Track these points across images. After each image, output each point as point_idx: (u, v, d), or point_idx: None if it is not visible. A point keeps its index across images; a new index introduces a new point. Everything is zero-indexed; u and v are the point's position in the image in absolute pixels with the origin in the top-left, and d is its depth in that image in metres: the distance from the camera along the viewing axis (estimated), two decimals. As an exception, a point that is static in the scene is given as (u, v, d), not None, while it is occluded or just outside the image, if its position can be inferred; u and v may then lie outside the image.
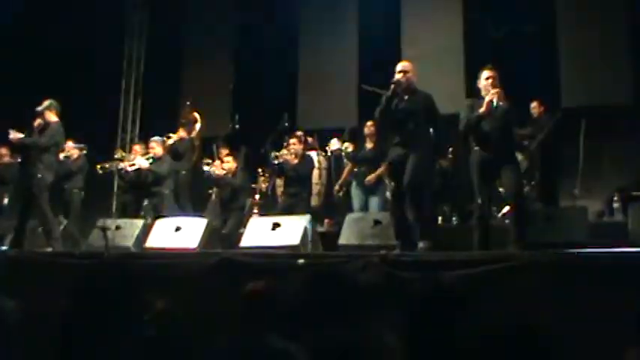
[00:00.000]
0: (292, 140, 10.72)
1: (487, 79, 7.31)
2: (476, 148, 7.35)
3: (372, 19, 13.72)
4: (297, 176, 10.57)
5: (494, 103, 7.07)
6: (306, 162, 10.74)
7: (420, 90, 7.75)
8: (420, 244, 7.27)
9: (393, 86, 7.52)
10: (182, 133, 12.27)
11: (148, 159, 11.26)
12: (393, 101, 7.56)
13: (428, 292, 2.86)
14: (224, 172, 11.19)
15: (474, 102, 7.42)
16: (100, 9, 14.17)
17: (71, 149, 11.62)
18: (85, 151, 11.80)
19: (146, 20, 15.59)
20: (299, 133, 11.42)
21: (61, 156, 11.18)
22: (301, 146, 10.81)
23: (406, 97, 7.63)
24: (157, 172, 11.13)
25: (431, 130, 7.75)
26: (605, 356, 2.59)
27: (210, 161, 11.49)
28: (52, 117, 9.86)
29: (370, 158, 10.05)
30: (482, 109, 7.11)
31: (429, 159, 7.76)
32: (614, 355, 2.82)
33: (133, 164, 11.39)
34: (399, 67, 7.66)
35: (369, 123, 10.16)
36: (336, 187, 11.04)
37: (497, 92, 7.10)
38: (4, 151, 11.74)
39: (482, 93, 7.30)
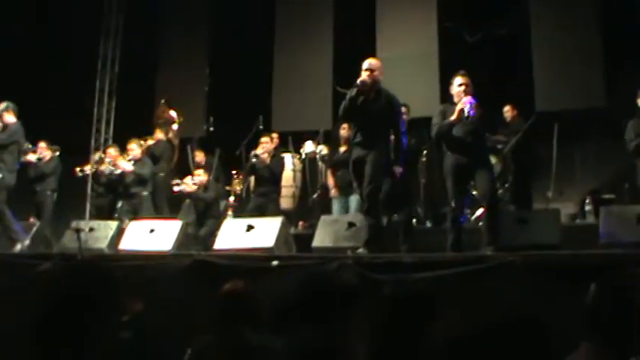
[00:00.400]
0: (264, 139, 10.75)
1: (460, 85, 7.38)
2: (449, 152, 7.40)
3: (348, 20, 13.75)
4: (270, 175, 10.64)
5: (466, 112, 7.08)
6: (277, 161, 10.80)
7: (385, 90, 7.75)
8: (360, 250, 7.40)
9: (358, 85, 7.50)
10: (159, 134, 12.24)
11: (129, 161, 11.22)
12: (358, 100, 7.56)
13: (399, 294, 2.88)
14: (195, 187, 11.12)
15: (446, 107, 7.50)
16: (75, 10, 14.06)
17: (44, 150, 11.53)
18: (57, 153, 11.71)
19: (121, 21, 15.49)
20: (273, 134, 11.47)
21: (34, 157, 11.18)
22: (273, 145, 10.88)
23: (371, 97, 7.62)
24: (140, 174, 11.10)
25: (391, 132, 7.77)
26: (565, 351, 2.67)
27: (179, 181, 11.37)
28: (11, 118, 9.84)
29: (346, 160, 10.05)
30: (453, 117, 7.18)
31: (386, 160, 7.67)
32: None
33: (117, 168, 11.34)
34: (366, 64, 7.64)
35: (344, 125, 10.16)
36: (318, 191, 11.07)
37: (469, 100, 7.15)
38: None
39: (455, 99, 7.36)
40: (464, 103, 7.12)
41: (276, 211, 10.31)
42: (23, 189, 10.56)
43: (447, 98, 7.93)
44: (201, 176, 11.21)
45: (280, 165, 10.92)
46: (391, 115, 7.70)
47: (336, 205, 10.22)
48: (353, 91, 7.53)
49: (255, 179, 10.96)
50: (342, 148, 10.18)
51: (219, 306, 4.21)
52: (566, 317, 5.08)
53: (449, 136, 7.33)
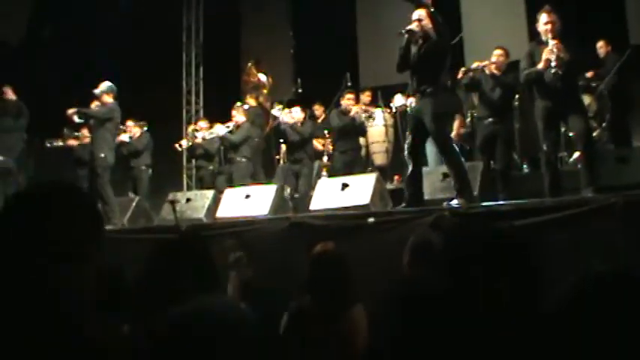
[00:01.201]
0: (348, 96, 11.05)
1: (546, 23, 7.14)
2: (539, 97, 7.25)
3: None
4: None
5: (552, 61, 6.91)
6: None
7: (434, 36, 7.57)
8: (455, 201, 7.22)
9: (407, 35, 7.52)
10: (250, 100, 12.32)
11: (227, 127, 11.38)
12: (410, 48, 7.59)
13: (500, 241, 2.76)
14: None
15: (534, 48, 7.30)
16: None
17: (132, 127, 11.83)
18: (145, 128, 11.95)
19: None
20: (366, 92, 11.50)
21: (126, 137, 11.44)
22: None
23: (420, 44, 7.56)
24: (230, 140, 11.25)
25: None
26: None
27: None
28: (109, 99, 10.07)
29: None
30: (541, 66, 7.00)
31: (443, 107, 7.61)
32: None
33: (212, 133, 11.51)
34: (415, 15, 7.61)
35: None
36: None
37: (556, 45, 6.93)
38: (85, 132, 11.87)
39: (543, 37, 7.15)
40: (550, 51, 6.91)
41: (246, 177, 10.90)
42: (119, 166, 10.78)
43: (533, 39, 7.74)
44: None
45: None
46: (441, 60, 7.59)
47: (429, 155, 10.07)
48: (403, 41, 7.56)
49: (336, 137, 11.11)
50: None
51: (309, 270, 4.19)
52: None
53: (539, 82, 7.17)
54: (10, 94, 11.09)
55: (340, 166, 10.61)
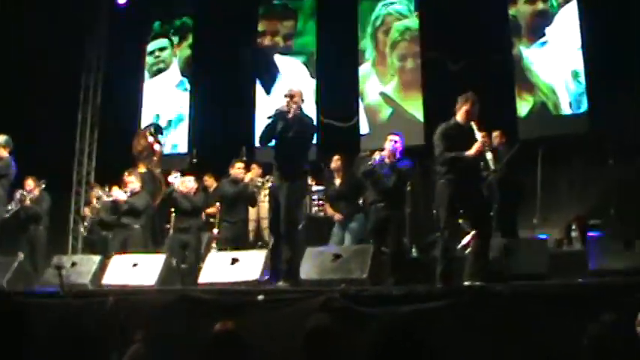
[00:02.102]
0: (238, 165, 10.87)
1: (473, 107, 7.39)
2: (444, 181, 7.27)
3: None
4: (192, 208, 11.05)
5: (488, 156, 7.29)
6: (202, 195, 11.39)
7: (305, 116, 8.01)
8: (280, 283, 7.60)
9: (276, 112, 7.84)
10: (141, 168, 12.13)
11: (125, 192, 11.14)
12: (277, 126, 7.85)
13: (387, 329, 2.80)
14: (185, 190, 11.06)
15: (450, 129, 7.36)
16: (57, 41, 13.95)
17: (33, 187, 11.48)
18: (44, 185, 11.61)
19: (103, 54, 15.48)
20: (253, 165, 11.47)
21: (26, 196, 11.24)
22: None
23: (290, 122, 7.80)
24: (134, 206, 10.96)
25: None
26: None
27: (178, 174, 11.36)
28: (4, 153, 9.85)
29: (344, 193, 10.01)
30: (472, 152, 7.10)
31: (302, 189, 8.07)
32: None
33: (111, 197, 11.27)
34: (287, 91, 7.95)
35: (335, 157, 10.31)
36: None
37: (481, 141, 7.15)
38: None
39: (465, 121, 7.34)
40: (480, 144, 7.14)
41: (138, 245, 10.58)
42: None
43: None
44: (192, 182, 11.24)
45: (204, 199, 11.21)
46: (307, 140, 8.06)
47: (333, 237, 10.12)
48: (270, 117, 7.87)
49: (176, 214, 11.16)
50: (337, 181, 10.25)
51: (210, 348, 4.10)
52: (560, 345, 5.08)
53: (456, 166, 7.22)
54: None
55: (230, 236, 10.50)
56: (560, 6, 12.36)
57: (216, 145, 13.36)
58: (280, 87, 14.39)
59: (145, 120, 15.23)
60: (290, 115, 7.77)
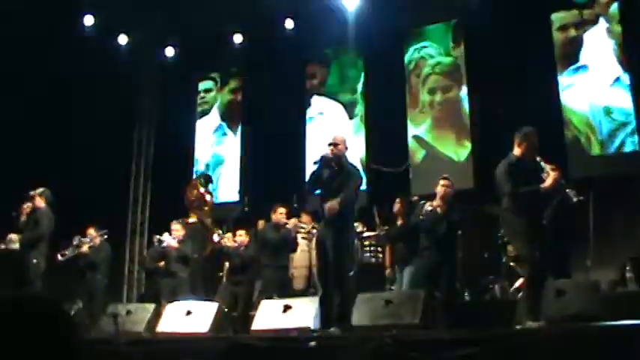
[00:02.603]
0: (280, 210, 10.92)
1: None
2: (513, 214, 7.29)
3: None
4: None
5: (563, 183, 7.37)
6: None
7: (350, 164, 8.15)
8: (332, 329, 7.58)
9: (321, 158, 7.95)
10: (193, 217, 12.29)
11: (174, 238, 11.37)
12: (323, 172, 8.01)
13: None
14: (236, 244, 11.19)
15: (513, 163, 7.35)
16: (110, 96, 14.26)
17: (94, 238, 11.77)
18: (105, 236, 11.91)
19: (156, 104, 15.79)
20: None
21: (83, 242, 11.52)
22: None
23: (335, 170, 7.96)
24: (184, 252, 11.22)
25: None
26: None
27: (221, 232, 11.51)
28: (41, 203, 10.04)
29: (404, 234, 10.02)
30: (547, 185, 7.15)
31: (347, 237, 8.07)
32: None
33: (162, 242, 11.46)
34: (331, 139, 8.07)
35: (397, 200, 10.36)
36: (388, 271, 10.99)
37: (556, 173, 7.23)
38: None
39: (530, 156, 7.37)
40: (557, 175, 7.22)
41: (187, 293, 10.84)
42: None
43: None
44: (242, 237, 11.32)
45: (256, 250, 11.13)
46: (352, 188, 7.98)
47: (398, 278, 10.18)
48: (317, 164, 7.99)
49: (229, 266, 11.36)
50: (399, 222, 10.26)
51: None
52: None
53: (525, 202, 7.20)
54: None
55: (273, 282, 10.54)
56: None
57: (267, 193, 13.44)
58: (320, 127, 14.76)
59: (198, 168, 15.50)
60: (333, 163, 7.94)
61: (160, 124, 15.82)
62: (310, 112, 15.12)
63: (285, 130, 14.56)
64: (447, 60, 13.97)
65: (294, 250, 11.07)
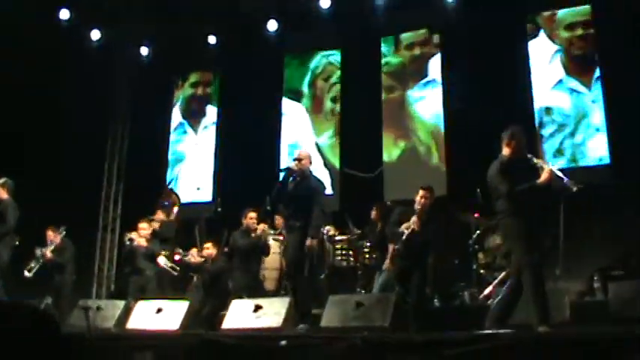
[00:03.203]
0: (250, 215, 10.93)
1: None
2: (512, 217, 7.07)
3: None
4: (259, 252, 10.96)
5: (565, 181, 7.09)
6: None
7: (313, 177, 8.76)
8: (301, 326, 8.07)
9: (287, 169, 8.75)
10: (161, 215, 12.23)
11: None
12: (287, 183, 8.66)
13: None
14: (202, 259, 11.19)
15: (507, 162, 7.18)
16: (85, 92, 14.19)
17: (53, 238, 11.73)
18: (64, 232, 11.81)
19: (130, 102, 15.75)
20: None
21: (45, 251, 11.51)
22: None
23: (298, 181, 8.63)
24: (152, 250, 11.21)
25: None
26: None
27: (181, 251, 11.52)
28: (4, 194, 10.02)
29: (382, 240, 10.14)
30: (542, 180, 6.92)
31: (303, 239, 8.52)
32: None
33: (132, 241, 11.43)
34: (295, 154, 8.82)
35: (374, 206, 10.68)
36: (325, 271, 11.09)
37: (549, 171, 6.99)
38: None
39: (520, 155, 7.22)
40: (552, 169, 7.03)
41: (155, 291, 10.90)
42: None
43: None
44: (209, 249, 11.24)
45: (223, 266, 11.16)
46: (313, 198, 8.61)
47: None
48: (282, 176, 8.65)
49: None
50: (378, 227, 10.41)
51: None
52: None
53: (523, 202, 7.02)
54: None
55: (243, 286, 10.50)
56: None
57: (240, 194, 13.40)
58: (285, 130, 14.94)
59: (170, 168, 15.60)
60: (297, 177, 8.64)
61: (134, 123, 15.74)
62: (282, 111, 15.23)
63: (259, 129, 14.56)
64: (395, 60, 14.26)
65: (267, 254, 11.03)
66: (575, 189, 7.09)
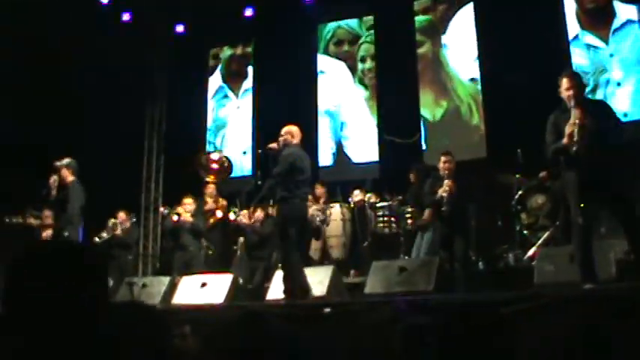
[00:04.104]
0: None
1: (567, 89, 6.66)
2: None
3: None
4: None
5: (575, 135, 6.43)
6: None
7: (291, 149, 8.36)
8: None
9: (262, 154, 8.77)
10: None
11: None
12: (269, 159, 8.46)
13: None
14: (252, 220, 11.26)
15: (557, 118, 6.76)
16: (121, 72, 14.24)
17: (125, 221, 12.29)
18: (134, 219, 12.70)
19: (167, 79, 15.76)
20: (318, 185, 11.64)
21: (119, 230, 12.12)
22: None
23: (274, 159, 8.40)
24: (197, 227, 11.29)
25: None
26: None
27: (237, 210, 11.57)
28: (69, 176, 9.97)
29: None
30: (565, 140, 6.50)
31: (290, 212, 8.23)
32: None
33: (180, 216, 11.53)
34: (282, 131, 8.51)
35: (412, 170, 10.76)
36: (368, 239, 11.15)
37: (578, 116, 6.48)
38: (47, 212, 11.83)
39: (567, 104, 6.67)
40: (572, 124, 6.45)
41: (200, 266, 10.93)
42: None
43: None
44: (257, 212, 11.43)
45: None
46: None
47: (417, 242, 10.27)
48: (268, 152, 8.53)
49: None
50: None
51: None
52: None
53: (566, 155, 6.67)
54: None
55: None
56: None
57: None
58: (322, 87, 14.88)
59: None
60: (272, 151, 8.48)
61: (171, 100, 15.76)
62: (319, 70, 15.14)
63: (297, 102, 14.50)
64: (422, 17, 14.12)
65: (317, 238, 11.30)
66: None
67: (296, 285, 7.84)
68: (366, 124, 14.18)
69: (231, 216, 11.55)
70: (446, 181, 8.77)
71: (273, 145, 8.42)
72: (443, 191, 8.79)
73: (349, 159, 14.26)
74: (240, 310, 7.28)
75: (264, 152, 8.55)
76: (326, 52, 15.09)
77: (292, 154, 8.21)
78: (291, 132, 8.41)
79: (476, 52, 13.19)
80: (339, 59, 14.93)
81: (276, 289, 8.46)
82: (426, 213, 9.60)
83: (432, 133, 13.42)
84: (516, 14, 11.95)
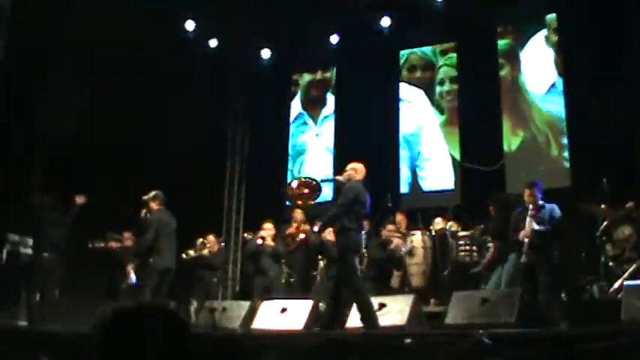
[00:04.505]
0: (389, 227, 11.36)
1: None
2: None
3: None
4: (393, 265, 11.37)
5: None
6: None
7: (352, 187, 8.47)
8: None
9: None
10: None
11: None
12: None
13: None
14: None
15: None
16: (206, 96, 14.45)
17: (214, 244, 12.66)
18: (223, 244, 13.12)
19: (248, 104, 15.92)
20: (398, 215, 11.65)
21: (206, 251, 12.45)
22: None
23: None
24: (278, 251, 11.45)
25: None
26: None
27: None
28: (155, 206, 10.29)
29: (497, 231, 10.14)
30: None
31: (347, 246, 8.31)
32: None
33: (264, 241, 11.65)
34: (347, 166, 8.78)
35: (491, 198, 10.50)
36: (449, 268, 11.17)
37: None
38: (127, 234, 12.13)
39: None
40: None
41: (280, 291, 11.18)
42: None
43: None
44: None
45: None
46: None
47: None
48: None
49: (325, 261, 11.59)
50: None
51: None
52: None
53: None
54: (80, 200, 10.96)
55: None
56: None
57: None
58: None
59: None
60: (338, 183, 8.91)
61: (254, 125, 15.90)
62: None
63: (379, 130, 14.53)
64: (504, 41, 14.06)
65: (399, 269, 11.43)
66: None
67: (370, 312, 7.92)
68: (441, 152, 14.12)
69: (315, 229, 11.63)
70: (525, 230, 8.82)
71: (340, 178, 8.75)
72: (525, 236, 8.75)
73: (423, 187, 14.26)
74: (321, 338, 7.32)
75: (331, 180, 9.34)
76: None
77: (356, 187, 8.42)
78: (356, 169, 8.68)
79: (555, 77, 13.05)
80: (416, 86, 14.92)
81: (355, 317, 8.43)
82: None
83: (509, 163, 13.28)
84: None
